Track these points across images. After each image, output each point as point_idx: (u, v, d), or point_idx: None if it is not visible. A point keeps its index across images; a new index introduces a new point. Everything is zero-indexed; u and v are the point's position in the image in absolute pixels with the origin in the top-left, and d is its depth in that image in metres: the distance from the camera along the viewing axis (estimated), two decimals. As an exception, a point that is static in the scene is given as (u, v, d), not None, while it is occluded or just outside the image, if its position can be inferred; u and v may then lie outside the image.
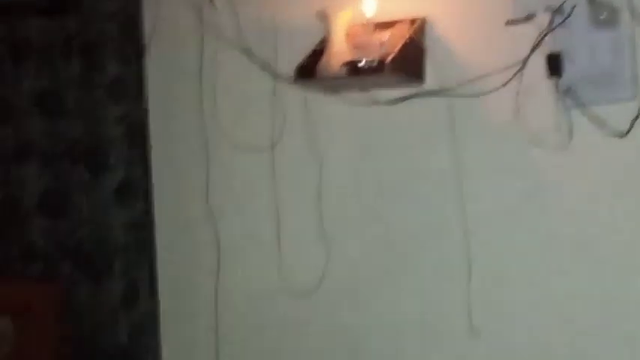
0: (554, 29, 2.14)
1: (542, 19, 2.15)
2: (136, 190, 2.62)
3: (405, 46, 2.25)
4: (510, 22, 2.19)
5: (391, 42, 2.27)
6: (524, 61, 2.15)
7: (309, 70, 2.30)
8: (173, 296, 2.66)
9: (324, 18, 2.33)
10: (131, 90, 2.58)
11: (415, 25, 2.31)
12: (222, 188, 2.60)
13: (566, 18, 2.12)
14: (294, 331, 2.51)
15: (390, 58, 2.20)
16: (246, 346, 2.53)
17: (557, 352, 2.16)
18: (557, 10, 2.14)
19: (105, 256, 2.60)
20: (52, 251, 2.64)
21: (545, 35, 2.14)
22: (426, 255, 2.37)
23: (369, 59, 2.23)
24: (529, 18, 2.18)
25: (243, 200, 2.60)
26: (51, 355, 2.41)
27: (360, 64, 2.23)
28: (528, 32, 2.16)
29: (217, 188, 2.59)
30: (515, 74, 2.15)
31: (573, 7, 2.12)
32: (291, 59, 2.36)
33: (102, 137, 2.61)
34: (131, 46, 2.61)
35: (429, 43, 2.33)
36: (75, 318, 2.54)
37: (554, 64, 2.13)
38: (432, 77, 2.32)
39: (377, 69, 2.21)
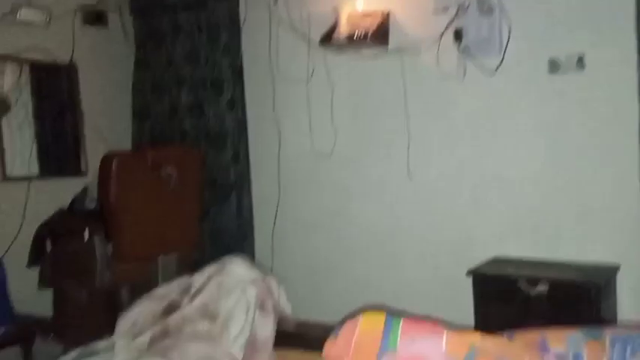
0: (458, 16, 2.68)
1: (452, 10, 2.68)
2: (238, 103, 3.35)
3: (378, 26, 2.83)
4: (435, 12, 2.78)
5: (371, 23, 2.84)
6: (442, 34, 2.74)
7: (327, 38, 2.94)
8: (257, 158, 3.42)
9: (336, 10, 2.97)
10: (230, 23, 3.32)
11: (384, 14, 2.88)
12: (282, 103, 3.31)
13: (464, 9, 2.64)
14: (318, 175, 3.27)
15: (370, 32, 2.80)
16: (293, 178, 3.32)
17: (461, 190, 2.85)
18: (461, 5, 2.68)
19: (224, 136, 3.36)
20: (196, 135, 3.45)
21: (454, 19, 2.69)
22: (386, 136, 3.05)
23: (360, 33, 2.80)
24: (445, 9, 2.73)
25: (292, 109, 3.29)
26: (196, 187, 3.14)
27: (355, 36, 2.82)
28: (445, 18, 2.71)
29: (279, 103, 3.29)
30: (437, 40, 2.73)
31: (468, 4, 2.67)
32: (318, 33, 3.00)
33: (219, 74, 3.34)
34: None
35: (391, 24, 2.88)
36: (207, 169, 3.34)
37: (458, 35, 2.71)
38: (392, 43, 2.91)
39: (364, 39, 2.82)
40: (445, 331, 1.06)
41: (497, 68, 2.60)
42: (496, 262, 2.71)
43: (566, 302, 2.36)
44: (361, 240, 3.14)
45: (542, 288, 2.37)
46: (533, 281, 2.42)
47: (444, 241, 2.88)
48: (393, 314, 1.12)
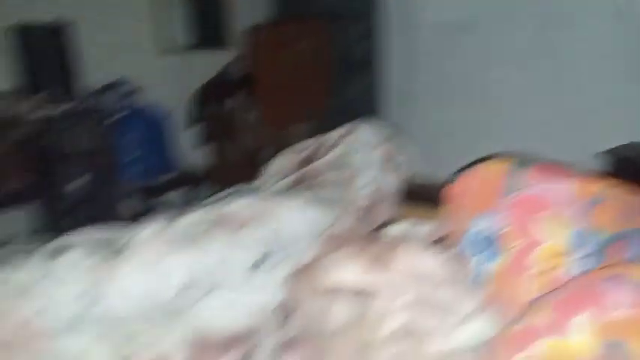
0: None
1: None
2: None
3: None
4: None
5: None
6: None
7: None
8: (391, 32, 3.24)
9: None
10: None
11: None
12: None
13: None
14: (454, 48, 3.09)
15: None
16: (427, 51, 3.17)
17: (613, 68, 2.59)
18: None
19: (355, 10, 3.23)
20: (330, 9, 3.32)
21: None
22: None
23: None
24: None
25: None
26: (327, 61, 3.24)
27: None
28: None
29: None
30: None
31: None
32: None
33: None
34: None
35: None
36: (339, 45, 3.31)
37: None
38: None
39: None
40: (574, 176, 1.04)
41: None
42: (633, 145, 2.45)
43: None
44: (497, 111, 2.98)
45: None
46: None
47: (581, 119, 2.67)
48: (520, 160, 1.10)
